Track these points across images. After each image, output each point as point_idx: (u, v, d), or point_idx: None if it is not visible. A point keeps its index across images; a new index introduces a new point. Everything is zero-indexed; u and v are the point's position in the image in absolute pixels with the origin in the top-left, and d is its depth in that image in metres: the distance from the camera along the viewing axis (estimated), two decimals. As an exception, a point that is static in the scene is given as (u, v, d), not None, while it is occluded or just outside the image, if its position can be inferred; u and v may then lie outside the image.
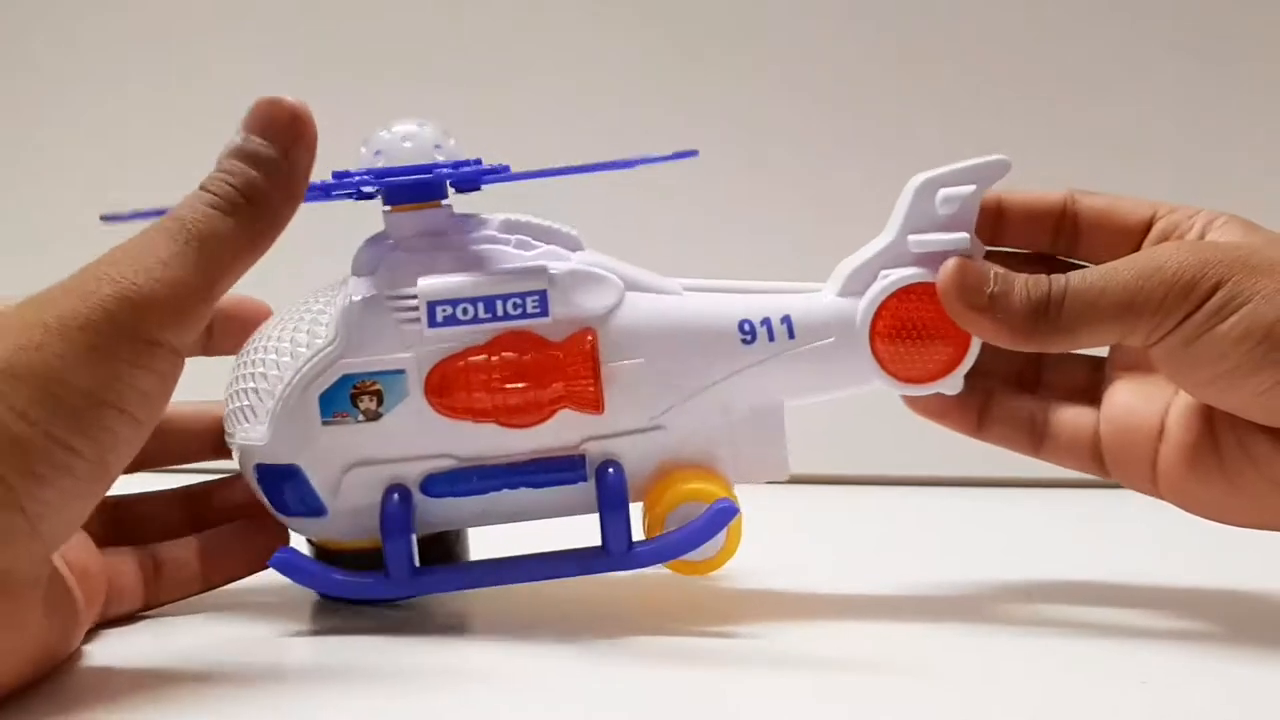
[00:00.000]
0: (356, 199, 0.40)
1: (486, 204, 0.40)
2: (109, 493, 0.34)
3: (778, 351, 0.39)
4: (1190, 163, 0.65)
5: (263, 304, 0.41)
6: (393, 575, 0.38)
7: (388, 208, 0.39)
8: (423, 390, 0.37)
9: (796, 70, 0.68)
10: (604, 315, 0.38)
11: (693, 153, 0.36)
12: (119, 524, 0.41)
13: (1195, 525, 0.41)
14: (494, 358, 0.37)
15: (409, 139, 0.38)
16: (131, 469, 0.36)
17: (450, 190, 0.39)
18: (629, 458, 0.38)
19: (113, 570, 0.39)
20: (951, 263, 0.37)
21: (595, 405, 0.38)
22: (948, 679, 0.35)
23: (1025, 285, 0.36)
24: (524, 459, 0.38)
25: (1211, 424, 0.38)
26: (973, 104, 0.66)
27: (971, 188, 0.39)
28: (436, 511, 0.39)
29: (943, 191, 0.39)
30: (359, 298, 0.38)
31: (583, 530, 0.39)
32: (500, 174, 0.38)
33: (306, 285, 0.40)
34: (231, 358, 0.41)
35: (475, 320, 0.37)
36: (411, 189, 0.38)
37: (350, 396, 0.38)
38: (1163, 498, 0.40)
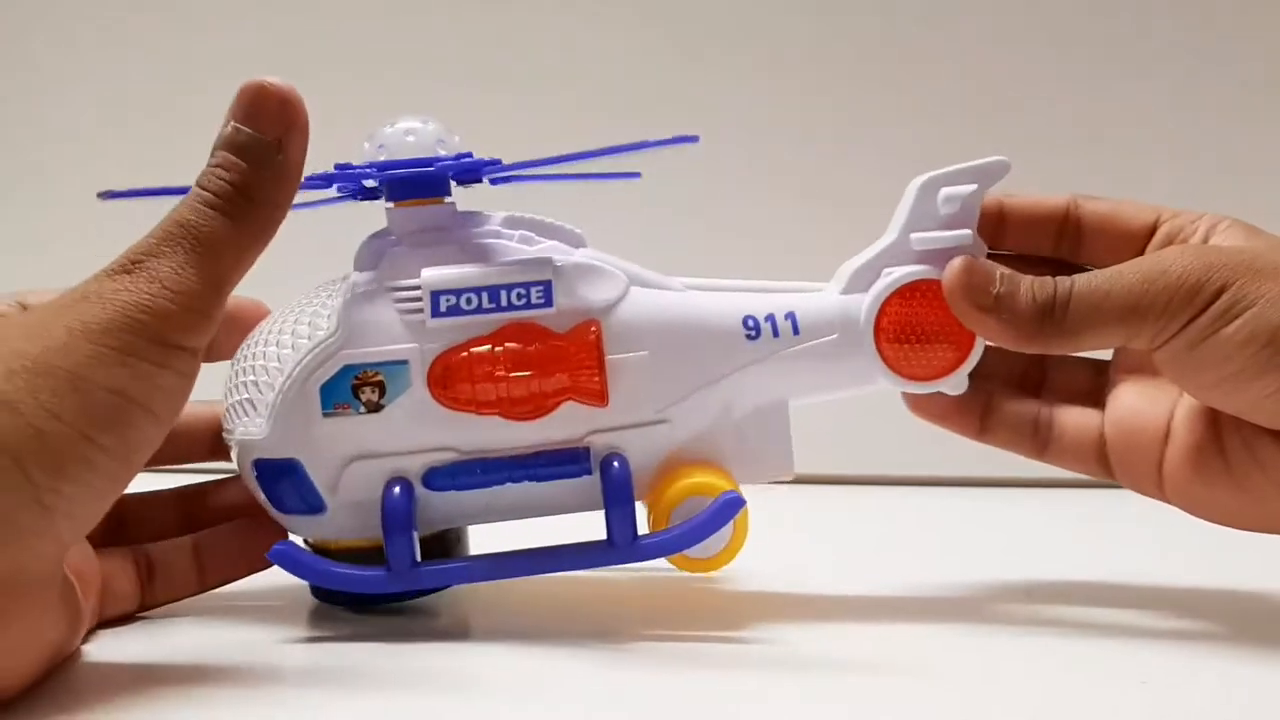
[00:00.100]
0: (361, 198, 0.40)
1: (490, 205, 0.40)
2: (109, 506, 0.34)
3: (782, 348, 0.39)
4: (1192, 167, 0.65)
5: (262, 304, 0.41)
6: (394, 569, 0.37)
7: (391, 204, 0.39)
8: (425, 381, 0.37)
9: (798, 73, 0.68)
10: (608, 307, 0.38)
11: (693, 138, 0.36)
12: (114, 525, 0.40)
13: (1195, 526, 0.41)
14: (498, 348, 0.37)
15: (412, 134, 0.38)
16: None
17: (453, 187, 0.40)
18: (634, 451, 0.38)
19: (107, 571, 0.39)
20: (958, 261, 0.37)
21: (599, 397, 0.38)
22: (948, 679, 0.35)
23: (1031, 286, 0.36)
24: (527, 452, 0.38)
25: (1217, 427, 0.38)
26: (975, 107, 0.66)
27: (973, 187, 0.39)
28: (438, 507, 0.38)
29: (944, 191, 0.39)
30: (361, 290, 0.38)
31: (585, 531, 0.39)
32: (500, 165, 0.38)
33: (304, 284, 0.40)
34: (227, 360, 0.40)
35: (479, 310, 0.37)
36: (414, 184, 0.38)
37: (352, 388, 0.37)
38: (1168, 501, 0.40)
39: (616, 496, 0.37)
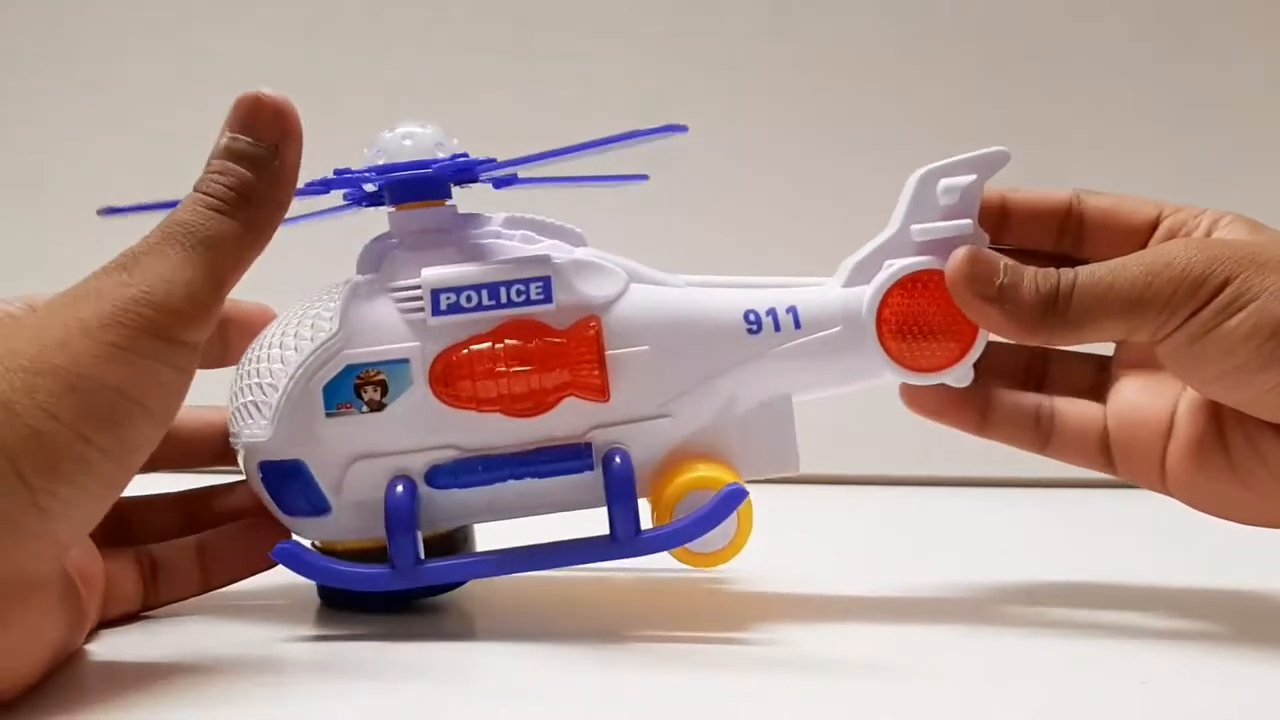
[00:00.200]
0: (366, 205, 0.41)
1: (492, 207, 0.40)
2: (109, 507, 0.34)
3: (783, 342, 0.39)
4: (1192, 164, 0.65)
5: (268, 309, 0.42)
6: (398, 566, 0.37)
7: (392, 208, 0.39)
8: (427, 379, 0.37)
9: (797, 69, 0.68)
10: (608, 303, 0.38)
11: (682, 127, 0.36)
12: (117, 526, 0.40)
13: (1195, 526, 0.41)
14: (498, 345, 0.37)
15: (410, 137, 0.39)
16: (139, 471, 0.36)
17: (454, 190, 0.40)
18: (636, 447, 0.38)
19: (110, 571, 0.39)
20: (962, 251, 0.37)
21: (600, 393, 0.38)
22: (948, 679, 0.35)
23: (1034, 277, 0.36)
24: (529, 448, 0.38)
25: (1219, 421, 0.38)
26: (974, 103, 0.66)
27: (972, 177, 0.39)
28: (442, 506, 0.38)
29: (944, 181, 0.39)
30: (362, 290, 0.38)
31: (592, 529, 0.39)
32: (495, 164, 0.38)
33: (308, 288, 0.40)
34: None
35: (479, 308, 0.37)
36: (414, 187, 0.39)
37: (354, 387, 0.37)
38: (1171, 494, 0.40)
39: (618, 492, 0.37)
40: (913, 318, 0.39)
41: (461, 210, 0.40)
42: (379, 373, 0.37)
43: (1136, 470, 0.40)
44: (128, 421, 0.32)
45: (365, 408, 0.37)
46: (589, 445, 0.38)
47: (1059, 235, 0.41)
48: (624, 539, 0.38)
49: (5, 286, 0.38)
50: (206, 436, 0.42)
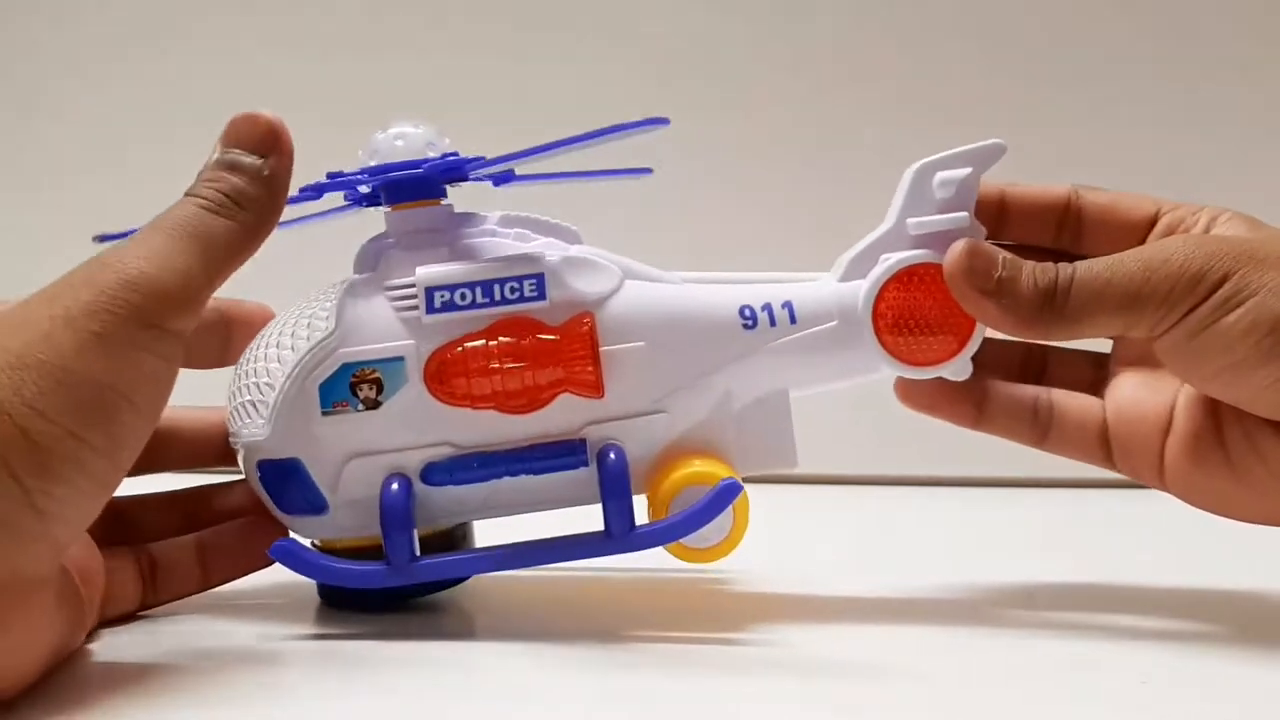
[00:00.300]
0: (366, 205, 0.41)
1: (488, 205, 0.40)
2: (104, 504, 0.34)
3: (779, 337, 0.39)
4: (1191, 160, 0.65)
5: (267, 308, 0.42)
6: (394, 563, 0.37)
7: (388, 208, 0.40)
8: (422, 377, 0.37)
9: (793, 65, 0.68)
10: (602, 299, 0.38)
11: (663, 120, 0.36)
12: (116, 525, 0.40)
13: (1195, 525, 0.41)
14: (492, 342, 0.37)
15: (401, 138, 0.39)
16: (137, 472, 0.36)
17: (450, 189, 0.40)
18: (631, 442, 0.38)
19: (110, 571, 0.39)
20: (960, 244, 0.37)
21: (595, 389, 0.37)
22: (948, 679, 0.35)
23: (1033, 272, 0.36)
24: (524, 445, 0.38)
25: (1217, 418, 0.38)
26: (973, 99, 0.66)
27: (968, 170, 0.39)
28: (438, 502, 0.38)
29: (939, 175, 0.39)
30: (359, 289, 0.38)
31: (591, 525, 0.38)
32: (484, 161, 0.38)
33: (309, 289, 0.40)
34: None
35: (473, 305, 0.37)
36: (408, 187, 0.39)
37: (350, 385, 0.37)
38: (1169, 490, 0.40)
39: (613, 488, 0.37)
40: (909, 312, 0.39)
41: (457, 209, 0.40)
42: (374, 371, 0.37)
43: (1135, 465, 0.40)
44: (116, 416, 0.32)
45: (361, 406, 0.37)
46: (584, 441, 0.38)
47: (1057, 231, 0.41)
48: (619, 535, 0.38)
49: (5, 288, 0.38)
50: (208, 437, 0.42)
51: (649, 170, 0.42)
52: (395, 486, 0.37)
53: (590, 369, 0.37)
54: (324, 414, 0.38)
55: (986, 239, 0.39)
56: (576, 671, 0.35)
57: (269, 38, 0.71)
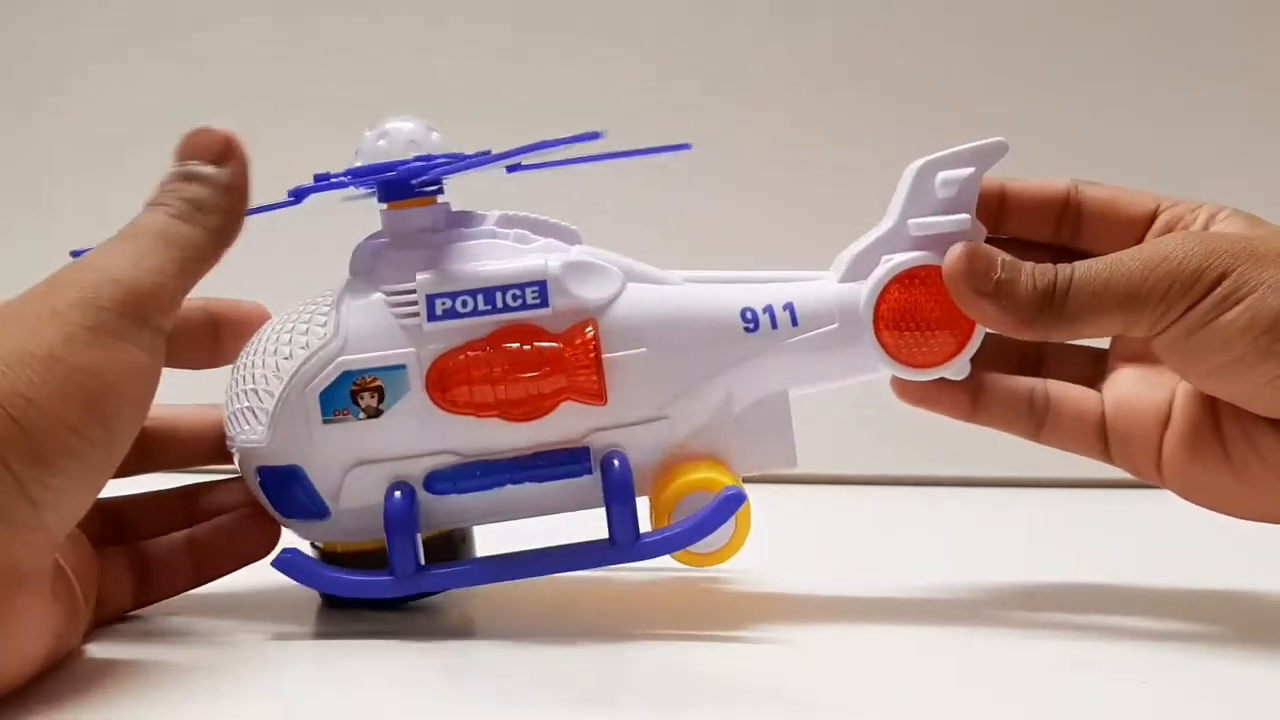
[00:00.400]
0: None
1: (486, 202, 0.40)
2: (100, 494, 0.34)
3: (781, 339, 0.39)
4: (1190, 158, 0.65)
5: (263, 308, 0.42)
6: (398, 573, 0.37)
7: (384, 206, 0.39)
8: (424, 385, 0.37)
9: (793, 63, 0.68)
10: (604, 305, 0.38)
11: (685, 146, 0.36)
12: (112, 524, 0.41)
13: (1195, 525, 0.41)
14: (494, 350, 0.37)
15: (384, 137, 0.39)
16: (134, 471, 0.36)
17: (448, 187, 0.40)
18: (634, 449, 0.38)
19: (103, 569, 0.39)
20: (959, 247, 0.37)
21: (598, 396, 0.37)
22: (948, 679, 0.35)
23: (1032, 273, 0.36)
24: (528, 453, 0.38)
25: (1215, 413, 0.38)
26: (973, 96, 0.66)
27: (970, 170, 0.39)
28: (441, 510, 0.38)
29: (941, 174, 0.39)
30: (357, 295, 0.38)
31: (592, 530, 0.39)
32: (457, 163, 0.38)
33: (307, 288, 0.40)
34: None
35: (475, 313, 0.37)
36: (396, 186, 0.39)
37: (351, 393, 0.37)
38: (1166, 486, 0.40)
39: (617, 495, 0.37)
40: (910, 313, 0.39)
41: (456, 208, 0.40)
42: (375, 379, 0.37)
43: (1133, 459, 0.40)
44: (106, 405, 0.33)
45: (362, 414, 0.37)
46: (587, 449, 0.38)
47: (1057, 225, 0.41)
48: (623, 544, 0.38)
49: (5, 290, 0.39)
50: (205, 435, 0.42)
51: (687, 146, 0.41)
52: (399, 495, 0.37)
53: (593, 377, 0.37)
54: (325, 422, 0.37)
55: (987, 234, 0.39)
56: (577, 671, 0.35)
57: (271, 39, 0.71)
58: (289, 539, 0.40)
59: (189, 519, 0.42)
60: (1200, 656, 0.36)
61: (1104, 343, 0.42)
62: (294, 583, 0.38)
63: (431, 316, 0.37)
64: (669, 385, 0.38)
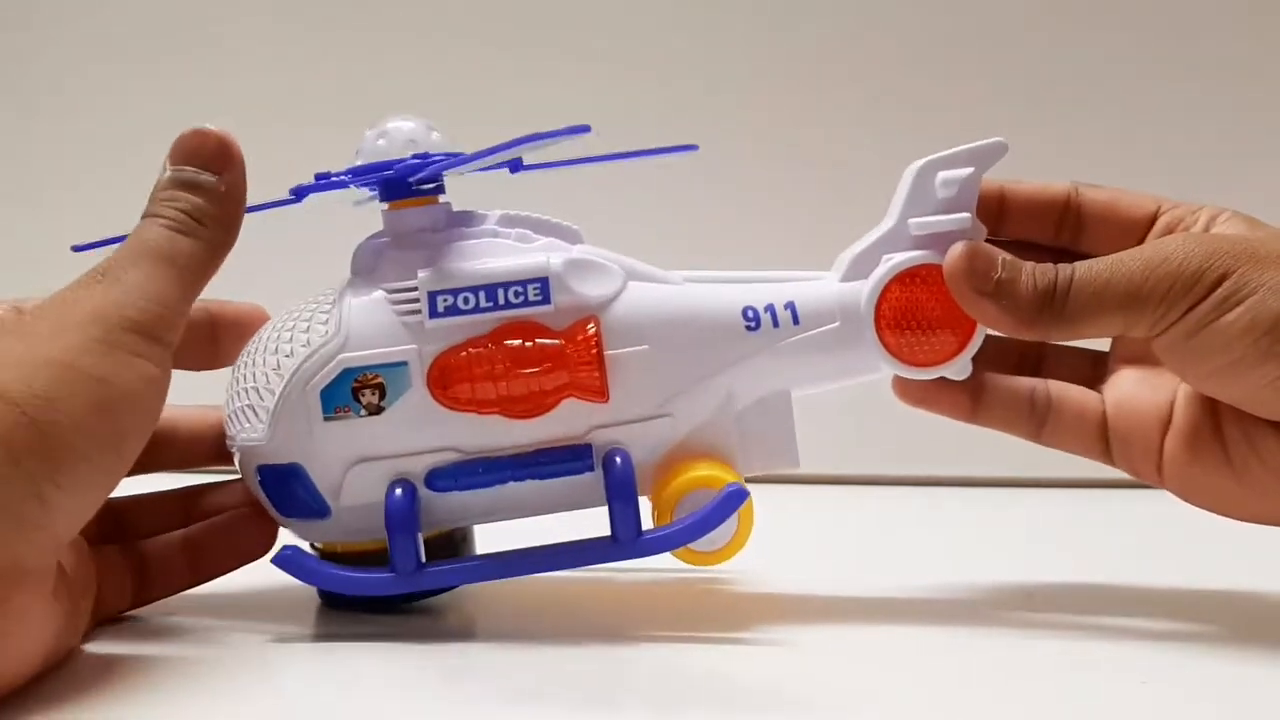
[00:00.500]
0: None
1: (488, 202, 0.40)
2: (104, 500, 0.34)
3: (782, 338, 0.39)
4: (1191, 160, 0.65)
5: (262, 309, 0.42)
6: (399, 570, 0.37)
7: (385, 206, 0.39)
8: (425, 382, 0.37)
9: (794, 62, 0.68)
10: (606, 302, 0.38)
11: (692, 147, 0.36)
12: (112, 525, 0.41)
13: (1195, 525, 0.41)
14: (496, 347, 0.37)
15: (383, 136, 0.39)
16: (133, 472, 0.36)
17: (448, 186, 0.40)
18: (636, 446, 0.38)
19: (101, 570, 0.39)
20: (960, 246, 0.37)
21: (600, 393, 0.37)
22: (948, 679, 0.35)
23: (1032, 273, 0.36)
24: (529, 450, 0.38)
25: (1216, 415, 0.38)
26: (973, 97, 0.66)
27: (970, 170, 0.39)
28: (442, 508, 0.38)
29: (941, 174, 0.39)
30: (359, 293, 0.38)
31: (592, 528, 0.39)
32: (459, 158, 0.38)
33: (307, 288, 0.40)
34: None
35: (477, 310, 0.37)
36: (396, 185, 0.39)
37: (352, 391, 0.37)
38: (1166, 487, 0.40)
39: (619, 492, 0.37)
40: (911, 312, 0.39)
41: (457, 208, 0.40)
42: (376, 376, 0.37)
43: (1134, 460, 0.40)
44: (119, 413, 0.33)
45: (363, 411, 0.37)
46: (589, 446, 0.38)
47: (1057, 228, 0.41)
48: (626, 541, 0.38)
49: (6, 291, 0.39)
50: (205, 436, 0.42)
51: (695, 147, 0.41)
52: (400, 492, 0.37)
53: (595, 373, 0.37)
54: (326, 419, 0.37)
55: (987, 236, 0.39)
56: (577, 671, 0.35)
57: (274, 39, 0.71)
58: (287, 538, 0.40)
59: (187, 520, 0.42)
60: (1200, 656, 0.36)
61: (1103, 344, 0.42)
62: (293, 583, 0.38)
63: (433, 313, 0.37)
64: (671, 383, 0.38)
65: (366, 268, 0.39)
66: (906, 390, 0.41)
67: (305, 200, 0.39)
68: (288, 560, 0.38)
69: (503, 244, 0.39)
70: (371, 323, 0.38)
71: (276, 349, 0.38)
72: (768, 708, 0.33)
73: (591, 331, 0.37)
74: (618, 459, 0.38)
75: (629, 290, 0.38)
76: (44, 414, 0.31)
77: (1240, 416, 0.37)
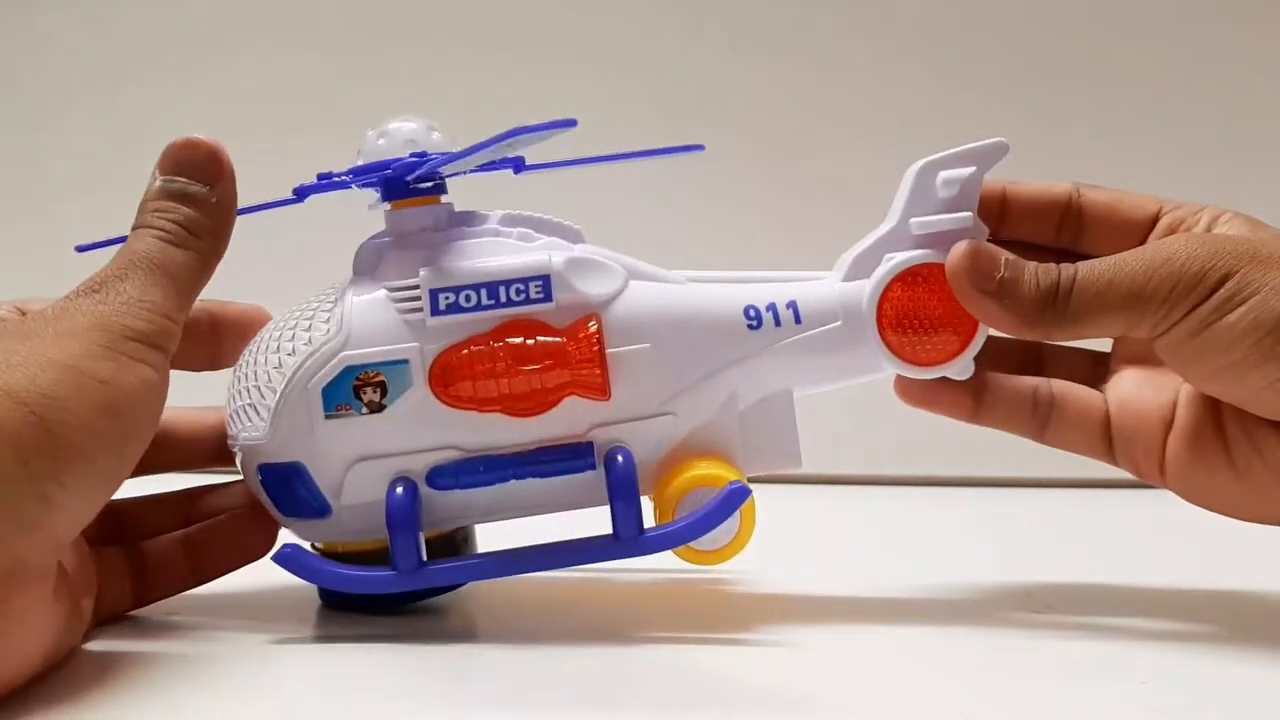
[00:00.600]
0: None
1: (488, 201, 0.40)
2: (106, 501, 0.34)
3: (784, 337, 0.39)
4: (1191, 159, 0.65)
5: (263, 310, 0.42)
6: (400, 569, 0.37)
7: (388, 205, 0.39)
8: (427, 380, 0.37)
9: (795, 63, 0.68)
10: (608, 301, 0.38)
11: (698, 147, 0.36)
12: (111, 527, 0.41)
13: (1197, 525, 0.41)
14: (498, 345, 0.37)
15: (384, 136, 0.39)
16: (138, 472, 0.36)
17: (450, 186, 0.40)
18: (637, 445, 0.38)
19: (101, 570, 0.39)
20: (962, 245, 0.37)
21: (601, 391, 0.37)
22: (948, 679, 0.35)
23: (1035, 272, 0.36)
24: (531, 448, 0.38)
25: (1219, 415, 0.38)
26: (975, 98, 0.66)
27: (971, 169, 0.39)
28: (443, 506, 0.38)
29: (943, 174, 0.39)
30: (361, 291, 0.38)
31: (594, 527, 0.39)
32: (456, 156, 0.38)
33: (308, 288, 0.40)
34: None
35: (478, 307, 0.37)
36: (397, 185, 0.39)
37: (353, 388, 0.37)
38: (1168, 487, 0.40)
39: (621, 491, 0.37)
40: (913, 311, 0.39)
41: (459, 208, 0.40)
42: (378, 374, 0.37)
43: (1136, 459, 0.40)
44: (122, 414, 0.33)
45: (365, 409, 0.37)
46: (590, 444, 0.38)
47: (1059, 229, 0.41)
48: (627, 539, 0.37)
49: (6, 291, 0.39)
50: (204, 437, 0.42)
51: (701, 147, 0.41)
52: (401, 490, 0.37)
53: (597, 371, 0.37)
54: (327, 417, 0.37)
55: (989, 238, 0.39)
56: (577, 671, 0.35)
57: (278, 47, 0.71)
58: (287, 538, 0.40)
59: (188, 521, 0.42)
60: (1200, 656, 0.36)
61: (1104, 344, 0.42)
62: (293, 583, 0.38)
63: (435, 311, 0.37)
64: (672, 381, 0.38)
65: (368, 267, 0.39)
66: (908, 390, 0.41)
67: (306, 200, 0.39)
68: (288, 558, 0.38)
69: (504, 243, 0.39)
70: (373, 321, 0.38)
71: (278, 347, 0.38)
72: (768, 707, 0.33)
73: (593, 330, 0.37)
74: (619, 457, 0.38)
75: (631, 289, 0.38)
76: (52, 414, 0.32)
77: (1242, 416, 0.37)
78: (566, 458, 0.38)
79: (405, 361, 0.37)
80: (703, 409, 0.39)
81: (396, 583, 0.37)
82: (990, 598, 0.43)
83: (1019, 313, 0.36)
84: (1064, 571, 0.46)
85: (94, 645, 0.37)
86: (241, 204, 0.38)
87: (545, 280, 0.38)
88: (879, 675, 0.35)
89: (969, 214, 0.39)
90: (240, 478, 0.41)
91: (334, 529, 0.39)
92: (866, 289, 0.39)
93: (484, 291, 0.37)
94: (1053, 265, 0.36)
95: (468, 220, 0.39)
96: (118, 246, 0.37)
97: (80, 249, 0.39)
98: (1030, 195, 0.40)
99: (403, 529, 0.37)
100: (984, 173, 0.39)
